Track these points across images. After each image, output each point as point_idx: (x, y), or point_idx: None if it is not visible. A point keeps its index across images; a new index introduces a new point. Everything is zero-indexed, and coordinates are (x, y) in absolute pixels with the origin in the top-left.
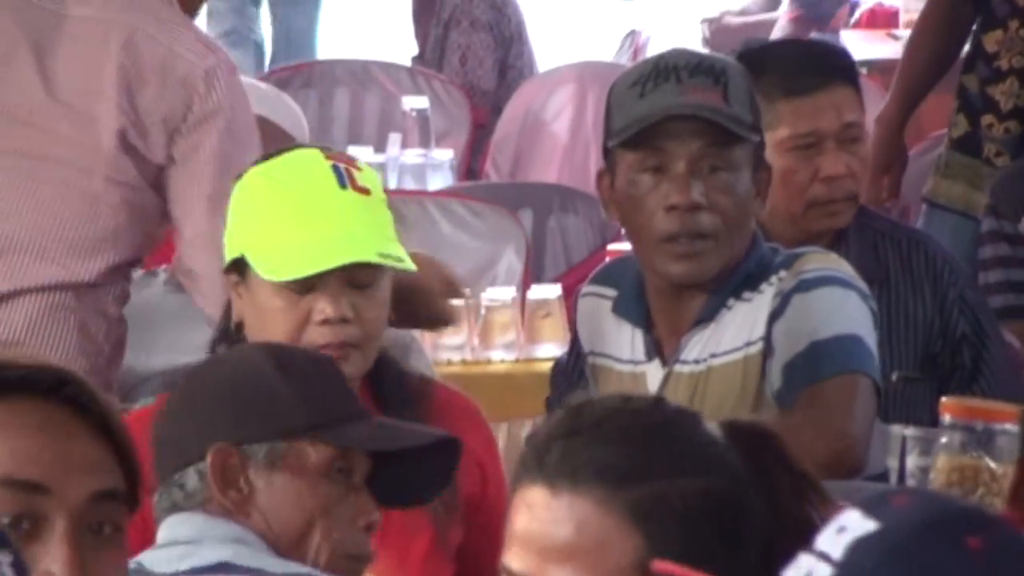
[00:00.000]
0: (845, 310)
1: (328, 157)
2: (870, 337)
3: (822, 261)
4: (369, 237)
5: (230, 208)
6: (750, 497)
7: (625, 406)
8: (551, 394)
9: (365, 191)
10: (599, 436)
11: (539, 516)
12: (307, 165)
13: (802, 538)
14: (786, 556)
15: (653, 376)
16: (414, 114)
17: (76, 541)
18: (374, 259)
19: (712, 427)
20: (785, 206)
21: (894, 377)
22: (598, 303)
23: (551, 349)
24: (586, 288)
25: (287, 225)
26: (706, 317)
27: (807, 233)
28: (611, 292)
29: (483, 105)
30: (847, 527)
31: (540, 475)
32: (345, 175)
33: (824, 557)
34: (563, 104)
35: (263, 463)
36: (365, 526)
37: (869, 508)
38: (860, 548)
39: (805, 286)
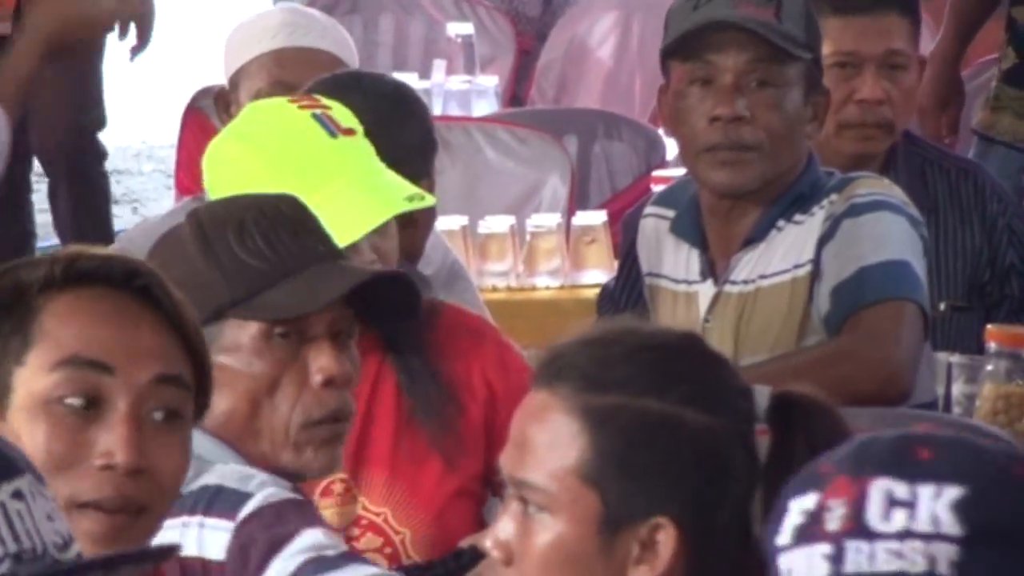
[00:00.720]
0: (895, 236)
1: (300, 107)
2: (919, 264)
3: (874, 186)
4: (388, 184)
5: (213, 183)
6: (729, 452)
7: (642, 328)
8: (596, 319)
9: (351, 132)
10: (593, 346)
11: (521, 411)
12: (289, 124)
13: None
14: None
15: (704, 296)
16: (459, 40)
17: (136, 422)
18: (407, 207)
19: (760, 392)
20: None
21: (942, 306)
22: (658, 224)
23: (596, 275)
24: (648, 209)
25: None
26: (756, 237)
27: (844, 156)
28: (670, 213)
29: (528, 31)
30: (916, 499)
31: (534, 379)
32: (328, 122)
33: (936, 537)
34: (608, 30)
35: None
36: (323, 382)
37: (904, 472)
38: (972, 511)
39: (856, 210)
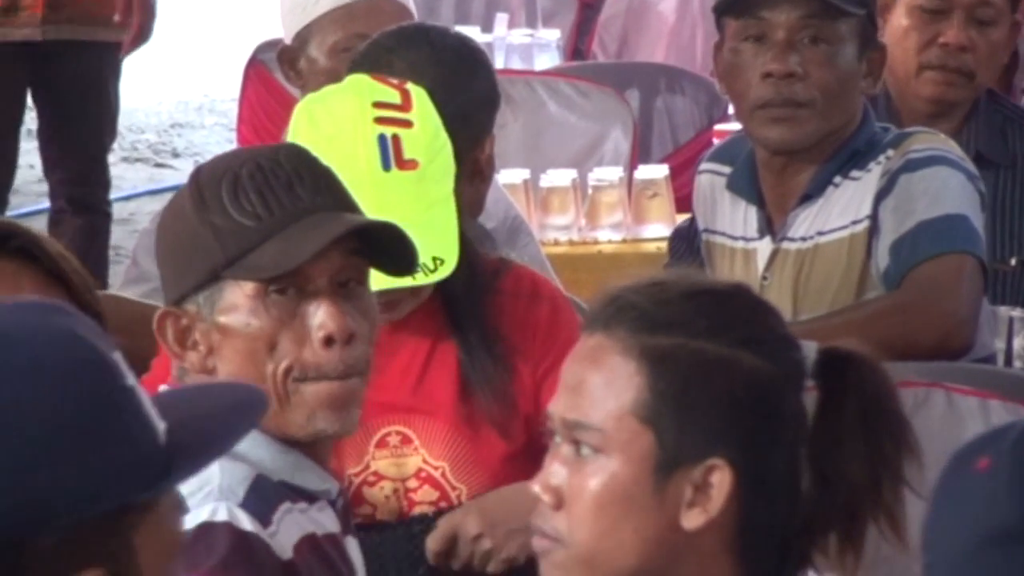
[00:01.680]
0: (952, 190)
1: (377, 120)
2: (976, 218)
3: (930, 141)
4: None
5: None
6: (783, 398)
7: (696, 275)
8: (668, 260)
9: (412, 165)
10: (651, 292)
11: (574, 356)
12: (352, 135)
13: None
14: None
15: (762, 253)
16: None
17: None
18: (404, 283)
19: (808, 347)
20: (903, 65)
21: (1013, 261)
22: (713, 180)
23: (658, 229)
24: (704, 165)
25: None
26: (813, 192)
27: (922, 100)
28: (726, 169)
29: None
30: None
31: (588, 323)
32: (391, 150)
33: None
34: None
35: (205, 314)
36: (323, 340)
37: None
38: None
39: (913, 165)
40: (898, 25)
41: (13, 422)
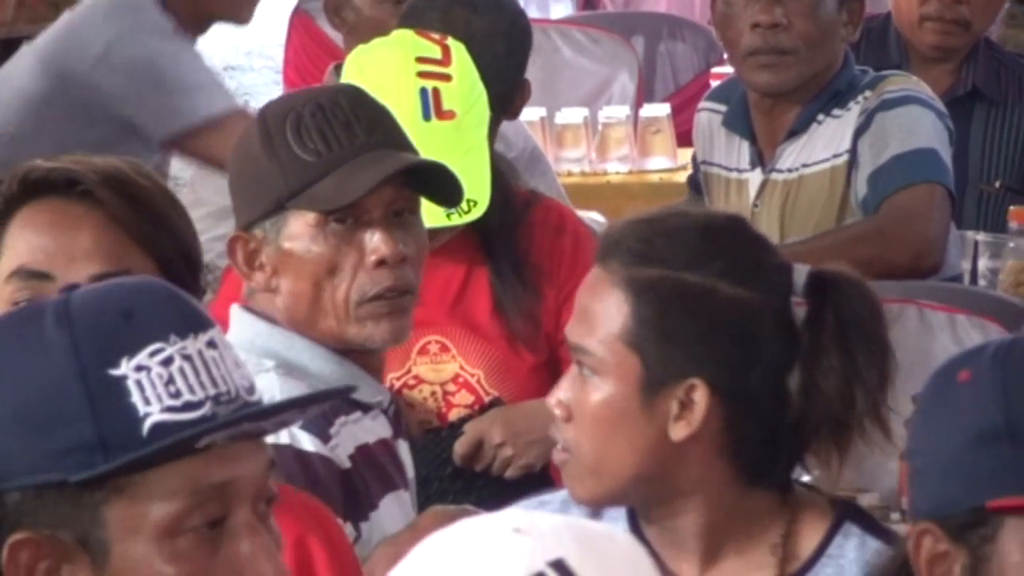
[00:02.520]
0: (924, 126)
1: (420, 73)
2: (945, 151)
3: (904, 83)
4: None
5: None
6: (759, 322)
7: (690, 210)
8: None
9: (450, 115)
10: (640, 228)
11: (582, 286)
12: (396, 87)
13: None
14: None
15: (753, 183)
16: None
17: None
18: (442, 224)
19: (799, 271)
20: (907, 15)
21: (998, 184)
22: (711, 117)
23: (661, 162)
24: (702, 104)
25: None
26: (798, 129)
27: (926, 46)
28: (722, 108)
29: None
30: None
31: (595, 256)
32: (432, 100)
33: None
34: None
35: (270, 239)
36: (376, 262)
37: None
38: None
39: (888, 105)
40: None
41: None
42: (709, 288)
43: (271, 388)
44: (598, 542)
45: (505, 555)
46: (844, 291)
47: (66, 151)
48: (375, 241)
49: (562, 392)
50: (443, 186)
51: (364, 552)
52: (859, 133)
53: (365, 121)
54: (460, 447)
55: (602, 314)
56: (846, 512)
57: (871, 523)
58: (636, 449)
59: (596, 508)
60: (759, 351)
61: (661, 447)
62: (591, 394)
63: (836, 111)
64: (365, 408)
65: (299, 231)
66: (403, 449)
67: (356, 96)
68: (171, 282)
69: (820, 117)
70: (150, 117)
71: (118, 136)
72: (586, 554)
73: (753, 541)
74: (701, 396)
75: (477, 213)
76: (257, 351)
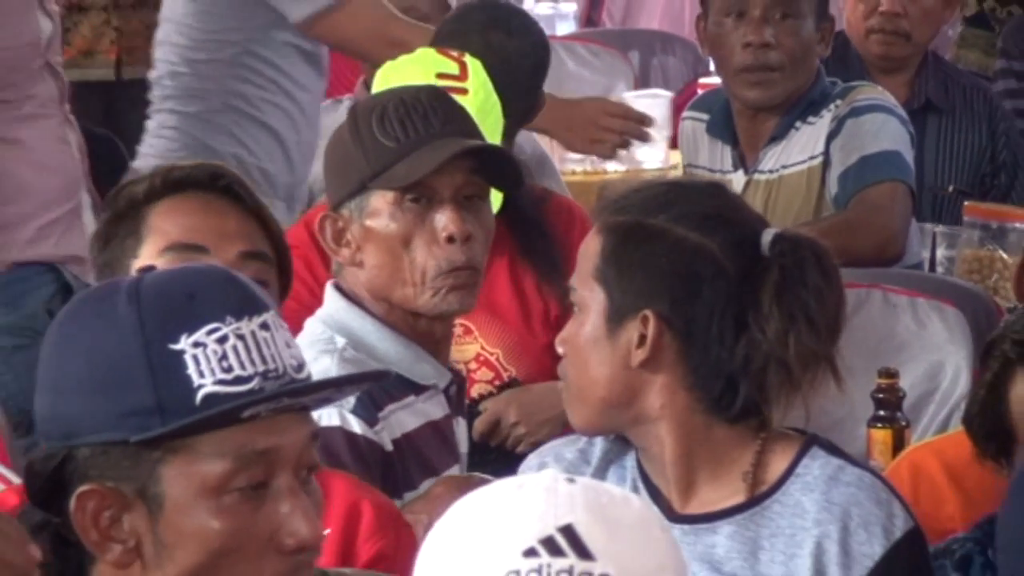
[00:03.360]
0: (888, 131)
1: (439, 75)
2: (907, 153)
3: (871, 92)
4: None
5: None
6: (705, 264)
7: (676, 178)
8: None
9: None
10: (624, 186)
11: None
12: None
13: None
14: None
15: (737, 183)
16: None
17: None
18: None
19: (767, 232)
20: (856, 28)
21: (950, 188)
22: (694, 125)
23: (654, 161)
24: (686, 114)
25: None
26: (778, 135)
27: (873, 55)
28: (705, 116)
29: None
30: None
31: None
32: None
33: None
34: None
35: (355, 218)
36: (446, 238)
37: None
38: None
39: (856, 112)
40: None
41: (67, 358)
42: (662, 230)
43: (328, 370)
44: (611, 508)
45: (518, 518)
46: (799, 246)
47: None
48: (445, 219)
49: (564, 331)
50: (506, 174)
51: None
52: (831, 137)
53: (441, 113)
54: (479, 425)
55: (584, 257)
56: (812, 440)
57: (835, 448)
58: (604, 375)
59: (589, 435)
60: (701, 290)
61: (625, 373)
62: (575, 327)
63: (811, 119)
64: (420, 389)
65: (379, 208)
66: (460, 426)
67: (435, 93)
68: (280, 265)
69: (797, 124)
70: (287, 2)
71: (264, 19)
72: (596, 520)
73: (725, 469)
74: (652, 326)
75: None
76: (335, 326)
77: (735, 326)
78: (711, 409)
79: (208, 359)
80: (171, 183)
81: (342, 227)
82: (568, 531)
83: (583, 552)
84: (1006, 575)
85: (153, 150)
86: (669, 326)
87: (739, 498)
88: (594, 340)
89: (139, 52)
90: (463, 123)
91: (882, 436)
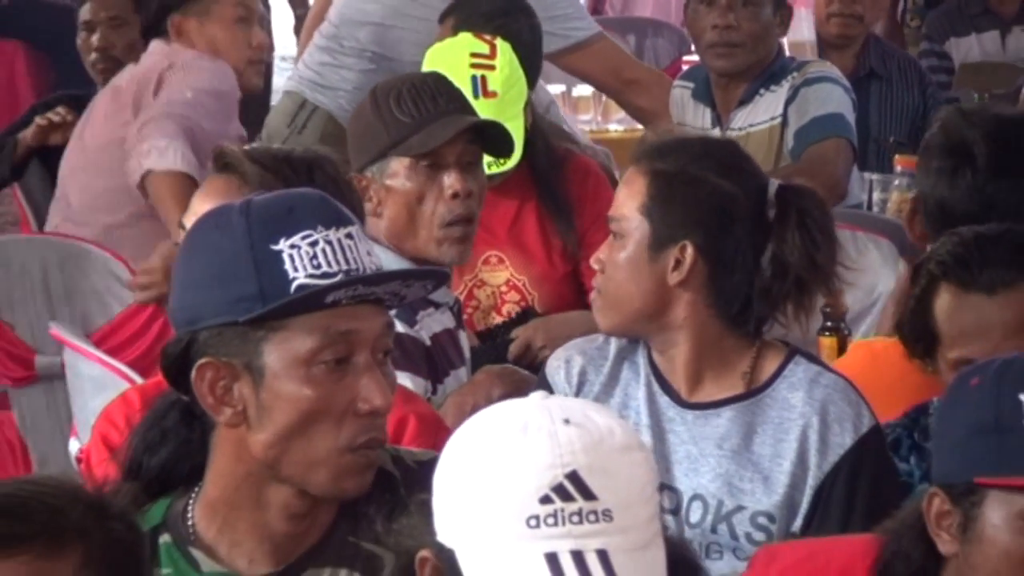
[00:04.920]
0: (834, 98)
1: (472, 64)
2: (850, 116)
3: (820, 67)
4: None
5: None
6: (736, 207)
7: (704, 135)
8: None
9: (493, 95)
10: (664, 136)
11: (622, 180)
12: (456, 76)
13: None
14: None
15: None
16: None
17: None
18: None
19: (772, 183)
20: (817, 13)
21: (891, 140)
22: (682, 92)
23: None
24: (676, 83)
25: None
26: (745, 99)
27: (832, 36)
28: (691, 85)
29: None
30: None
31: (632, 158)
32: (480, 84)
33: None
34: None
35: (377, 179)
36: (451, 195)
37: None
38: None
39: (809, 82)
40: None
41: (192, 260)
42: (701, 177)
43: None
44: (602, 443)
45: (529, 468)
46: (803, 195)
47: None
48: (451, 180)
49: (600, 252)
50: (499, 143)
51: (439, 401)
52: (788, 103)
53: (445, 95)
54: (514, 349)
55: (629, 194)
56: (796, 350)
57: (813, 357)
58: (643, 290)
59: (617, 336)
60: (733, 226)
61: (660, 290)
62: (617, 251)
63: (773, 87)
64: (437, 305)
65: (397, 171)
66: (463, 336)
67: (439, 78)
68: None
69: (761, 91)
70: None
71: None
72: (593, 462)
73: (727, 370)
74: (689, 254)
75: (510, 165)
76: None
77: (754, 256)
78: (724, 322)
79: (301, 258)
80: (219, 166)
81: (365, 185)
82: (574, 477)
83: (587, 494)
84: (934, 456)
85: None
86: (702, 254)
87: (738, 391)
88: (636, 262)
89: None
90: (461, 101)
91: (829, 342)
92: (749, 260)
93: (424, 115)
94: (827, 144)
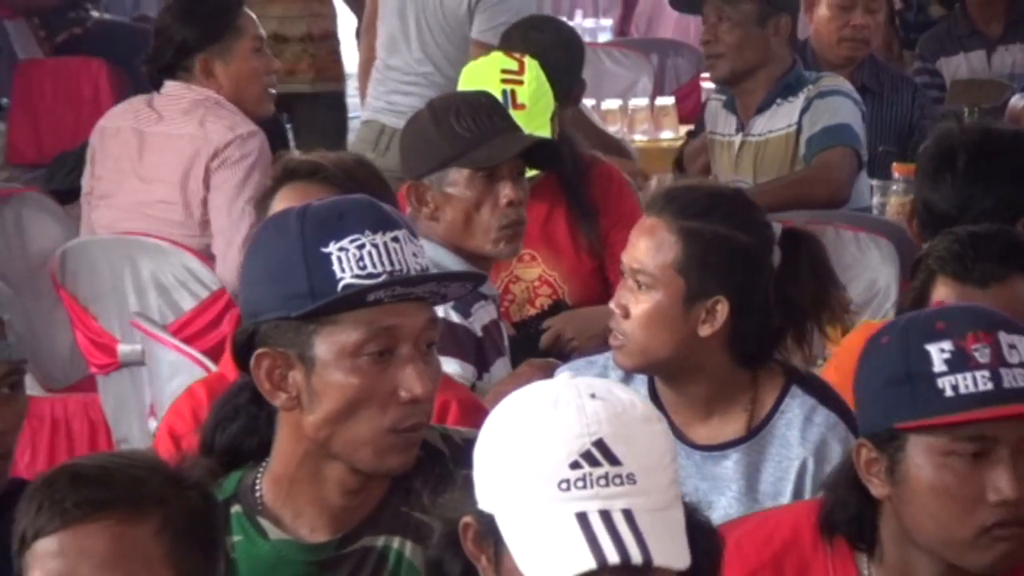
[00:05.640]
0: (844, 110)
1: (503, 80)
2: (858, 127)
3: (833, 81)
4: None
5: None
6: (761, 260)
7: (714, 183)
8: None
9: (522, 107)
10: (687, 191)
11: (638, 228)
12: (488, 87)
13: (811, 303)
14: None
15: (736, 143)
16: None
17: None
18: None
19: (776, 226)
20: (827, 38)
21: (880, 149)
22: (716, 103)
23: (668, 133)
24: (711, 96)
25: None
26: (763, 107)
27: (841, 57)
28: (723, 97)
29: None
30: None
31: (647, 207)
32: (510, 97)
33: None
34: None
35: (435, 186)
36: (506, 204)
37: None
38: None
39: (822, 95)
40: (823, 14)
41: (255, 259)
42: (730, 235)
43: None
44: (624, 415)
45: (560, 437)
46: (808, 238)
47: None
48: (506, 190)
49: (622, 298)
50: (541, 157)
51: (485, 389)
52: (803, 112)
53: (499, 113)
54: (545, 340)
55: (658, 248)
56: (791, 379)
57: (808, 384)
58: (675, 339)
59: (632, 374)
60: (760, 278)
61: (690, 339)
62: (645, 302)
63: (790, 98)
64: (486, 297)
65: (456, 180)
66: (503, 326)
67: (489, 97)
68: None
69: (779, 101)
70: None
71: None
72: (617, 430)
73: (732, 404)
74: (723, 308)
75: (535, 171)
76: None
77: (768, 298)
78: (737, 361)
79: (348, 260)
80: (285, 173)
81: (422, 192)
82: (600, 444)
83: (613, 460)
84: (858, 411)
85: None
86: (733, 307)
87: (740, 430)
88: (668, 314)
89: (328, 72)
90: (511, 120)
91: (833, 329)
92: (767, 304)
93: (482, 131)
94: (834, 152)
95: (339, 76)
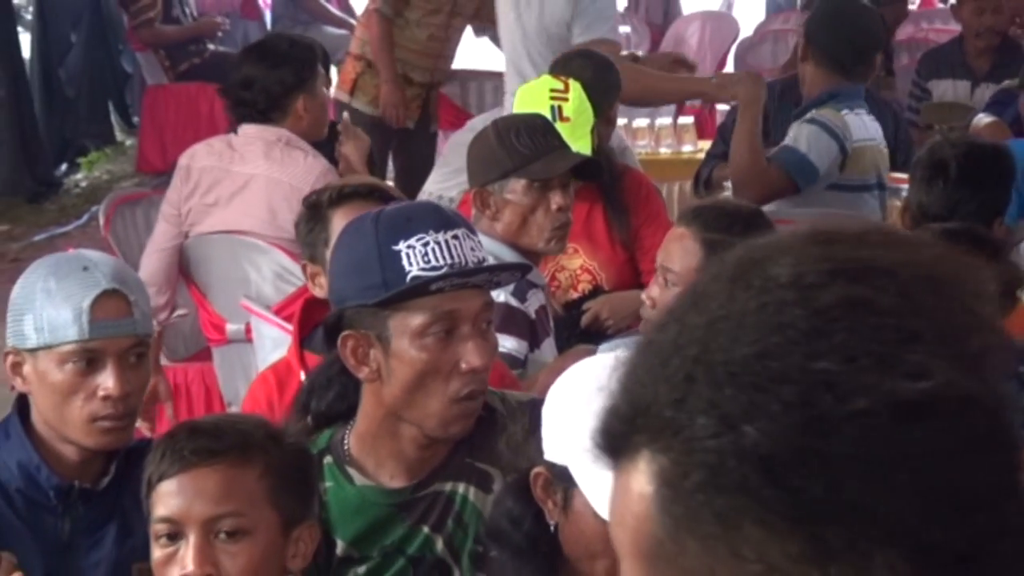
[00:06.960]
0: (810, 140)
1: (552, 96)
2: (818, 159)
3: (827, 113)
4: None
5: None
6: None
7: (734, 201)
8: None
9: (567, 119)
10: (713, 208)
11: (671, 234)
12: (539, 105)
13: None
14: None
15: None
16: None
17: None
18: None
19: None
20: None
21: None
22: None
23: (688, 147)
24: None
25: None
26: (792, 120)
27: None
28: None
29: (656, 30)
30: None
31: (680, 218)
32: (557, 112)
33: None
34: (693, 31)
35: (497, 193)
36: (557, 209)
37: None
38: None
39: (808, 121)
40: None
41: (339, 254)
42: None
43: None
44: None
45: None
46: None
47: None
48: (557, 198)
49: (651, 291)
50: (589, 170)
51: (533, 370)
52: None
53: (552, 133)
54: (586, 319)
55: (685, 254)
56: None
57: None
58: None
59: None
60: None
61: None
62: (671, 295)
63: (802, 115)
64: (536, 286)
65: (516, 189)
66: (550, 310)
67: (544, 119)
68: None
69: (796, 116)
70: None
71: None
72: None
73: None
74: None
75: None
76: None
77: None
78: None
79: (415, 255)
80: (344, 195)
81: (485, 197)
82: None
83: None
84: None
85: None
86: None
87: None
88: None
89: (431, 115)
90: (562, 139)
91: None
92: None
93: (538, 148)
94: (773, 168)
95: (438, 119)
